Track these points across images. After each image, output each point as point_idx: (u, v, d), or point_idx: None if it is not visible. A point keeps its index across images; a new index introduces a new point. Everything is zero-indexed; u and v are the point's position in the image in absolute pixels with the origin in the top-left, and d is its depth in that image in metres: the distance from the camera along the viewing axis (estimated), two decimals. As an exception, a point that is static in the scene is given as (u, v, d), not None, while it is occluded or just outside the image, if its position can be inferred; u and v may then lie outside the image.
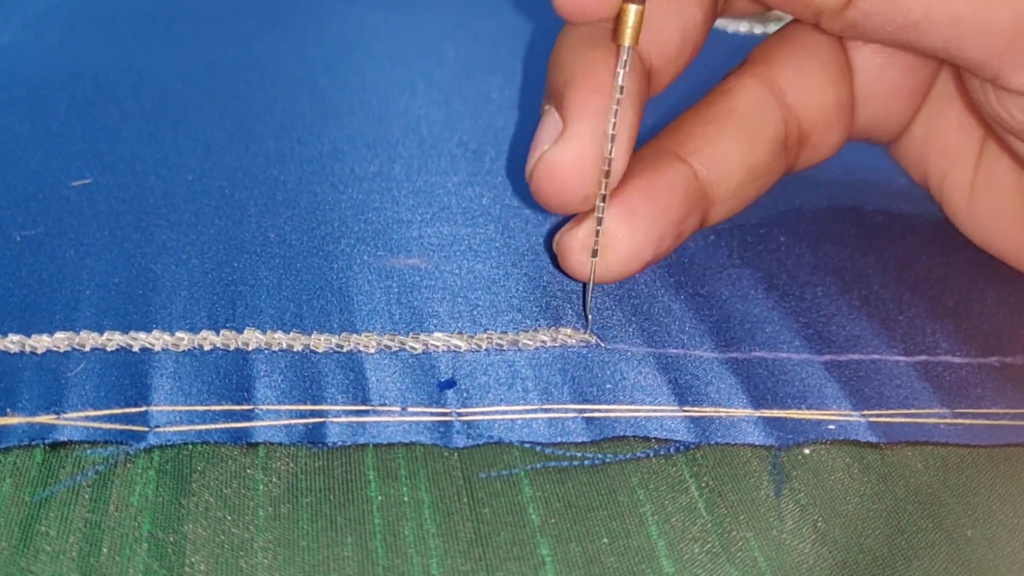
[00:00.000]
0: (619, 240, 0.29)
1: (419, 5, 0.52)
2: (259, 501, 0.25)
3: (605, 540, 0.25)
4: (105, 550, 0.24)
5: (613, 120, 0.28)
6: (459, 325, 0.30)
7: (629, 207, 0.29)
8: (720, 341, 0.30)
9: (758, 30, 0.50)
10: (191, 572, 0.23)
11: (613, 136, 0.28)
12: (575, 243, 0.30)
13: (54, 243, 0.33)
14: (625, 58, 0.28)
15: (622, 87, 0.28)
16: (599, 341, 0.30)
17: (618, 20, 0.28)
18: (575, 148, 0.28)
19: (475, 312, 0.31)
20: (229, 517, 0.25)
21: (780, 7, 0.30)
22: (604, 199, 0.29)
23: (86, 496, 0.25)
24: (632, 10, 0.27)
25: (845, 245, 0.35)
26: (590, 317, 0.30)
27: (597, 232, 0.29)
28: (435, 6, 0.52)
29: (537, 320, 0.31)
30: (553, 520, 0.25)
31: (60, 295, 0.31)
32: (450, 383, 0.28)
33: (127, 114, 0.40)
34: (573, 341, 0.30)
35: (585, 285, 0.30)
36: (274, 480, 0.26)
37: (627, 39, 0.28)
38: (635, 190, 0.30)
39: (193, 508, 0.25)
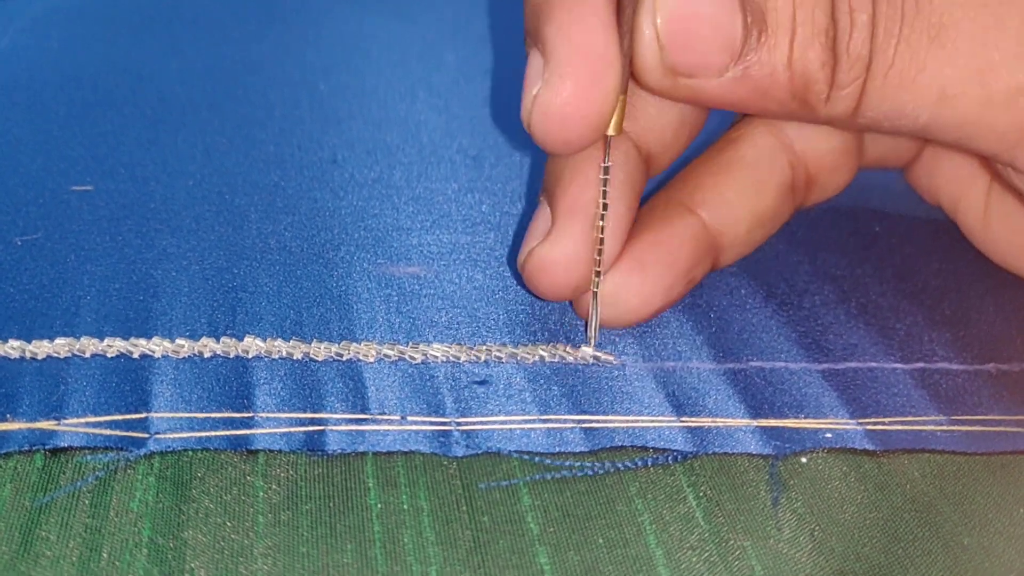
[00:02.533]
0: (629, 292, 0.30)
1: (418, 10, 0.52)
2: (259, 508, 0.25)
3: (603, 549, 0.25)
4: (105, 555, 0.24)
5: (603, 213, 0.28)
6: (458, 335, 0.30)
7: (639, 260, 0.30)
8: (718, 351, 0.30)
9: None
10: (191, 579, 0.24)
11: (602, 227, 0.29)
12: (583, 298, 0.30)
13: (54, 248, 0.33)
14: (608, 150, 0.28)
15: (606, 179, 0.28)
16: (606, 358, 0.30)
17: None
18: (563, 246, 0.29)
19: (474, 322, 0.31)
20: (229, 523, 0.25)
21: (793, 119, 0.30)
22: (597, 286, 0.29)
23: (86, 502, 0.25)
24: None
25: (843, 254, 0.35)
26: (593, 350, 0.30)
27: (595, 294, 0.30)
28: (434, 11, 0.52)
29: (535, 333, 0.31)
30: (552, 529, 0.25)
31: (60, 301, 0.31)
32: (483, 382, 0.29)
33: (127, 119, 0.41)
34: (572, 358, 0.30)
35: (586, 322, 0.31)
36: (274, 487, 0.26)
37: (611, 128, 0.27)
38: (645, 244, 0.30)
39: (193, 514, 0.25)
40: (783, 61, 0.26)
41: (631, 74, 0.27)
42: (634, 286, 0.30)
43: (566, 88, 0.26)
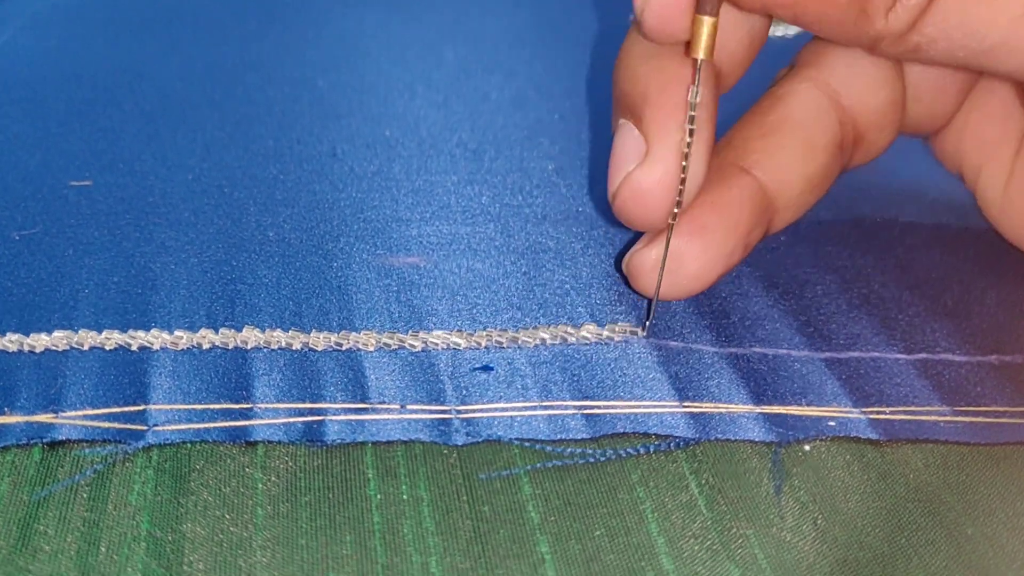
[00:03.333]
0: (691, 257, 0.29)
1: (417, 5, 0.52)
2: (258, 500, 0.25)
3: (605, 537, 0.25)
4: (103, 549, 0.24)
5: (689, 140, 0.28)
6: (458, 323, 0.30)
7: (700, 223, 0.29)
8: (720, 336, 0.30)
9: (779, 32, 0.49)
10: (190, 571, 0.23)
11: (688, 155, 0.28)
12: (647, 263, 0.30)
13: (53, 242, 0.33)
14: (700, 73, 0.28)
15: (696, 104, 0.28)
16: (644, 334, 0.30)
17: (692, 33, 0.27)
18: (661, 169, 0.28)
19: (474, 310, 0.31)
20: (228, 516, 0.25)
21: (834, 36, 0.29)
22: (675, 217, 0.29)
23: (84, 495, 0.25)
24: (707, 23, 0.27)
25: (845, 244, 0.35)
26: (648, 324, 0.30)
27: (666, 250, 0.29)
28: (433, 6, 0.52)
29: (536, 318, 0.31)
30: (553, 518, 0.25)
31: (59, 294, 0.31)
32: (486, 368, 0.28)
33: (126, 114, 0.41)
34: (573, 338, 0.30)
35: (650, 301, 0.30)
36: (273, 479, 0.26)
37: (702, 52, 0.27)
38: (704, 206, 0.29)
39: (192, 507, 0.25)
40: None
41: None
42: (696, 250, 0.29)
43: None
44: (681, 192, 0.28)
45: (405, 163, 0.38)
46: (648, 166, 0.28)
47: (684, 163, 0.28)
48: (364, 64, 0.46)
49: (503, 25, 0.50)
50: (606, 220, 0.35)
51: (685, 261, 0.29)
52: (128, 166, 0.37)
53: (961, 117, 0.34)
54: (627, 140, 0.29)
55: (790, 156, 0.31)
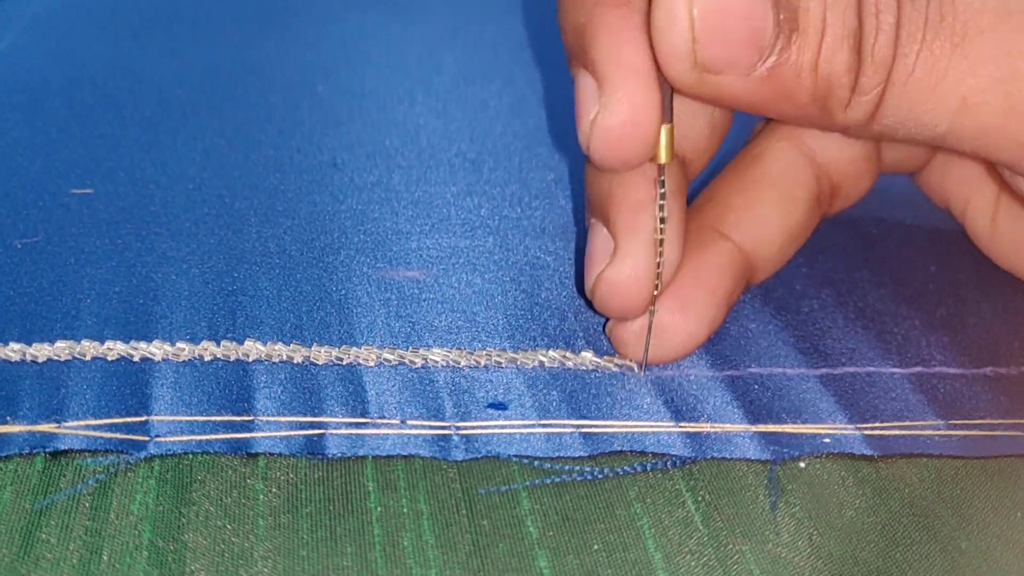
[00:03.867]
0: (674, 329, 0.30)
1: (417, 11, 0.52)
2: (259, 511, 0.25)
3: (603, 553, 0.25)
4: (105, 558, 0.24)
5: (661, 226, 0.28)
6: (457, 340, 0.30)
7: (681, 298, 0.30)
8: (715, 357, 0.30)
9: None
10: (191, 581, 0.24)
11: (662, 240, 0.29)
12: (629, 336, 0.30)
13: (54, 251, 0.33)
14: (662, 176, 0.28)
15: (663, 205, 0.28)
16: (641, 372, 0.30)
17: None
18: (630, 264, 0.29)
19: (473, 327, 0.31)
20: (229, 526, 0.25)
21: (803, 125, 0.30)
22: (655, 301, 0.29)
23: (87, 504, 0.25)
24: (663, 131, 0.27)
25: (841, 258, 0.35)
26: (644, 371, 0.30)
27: (650, 324, 0.30)
28: (433, 12, 0.52)
29: (535, 339, 0.31)
30: (551, 533, 0.25)
31: (61, 304, 0.31)
32: (501, 405, 0.28)
33: (126, 121, 0.41)
34: (571, 363, 0.30)
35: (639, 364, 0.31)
36: (274, 490, 0.26)
37: (663, 156, 0.28)
38: (685, 279, 0.30)
39: (193, 517, 0.25)
40: (810, 63, 0.26)
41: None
42: (679, 324, 0.30)
43: (623, 110, 0.27)
44: (659, 276, 0.29)
45: (405, 173, 0.38)
46: (617, 263, 0.29)
47: (659, 250, 0.29)
48: (364, 69, 0.46)
49: (503, 31, 0.50)
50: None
51: (669, 334, 0.30)
52: (129, 174, 0.37)
53: (942, 157, 0.34)
54: (597, 240, 0.30)
55: (768, 212, 0.31)
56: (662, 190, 0.28)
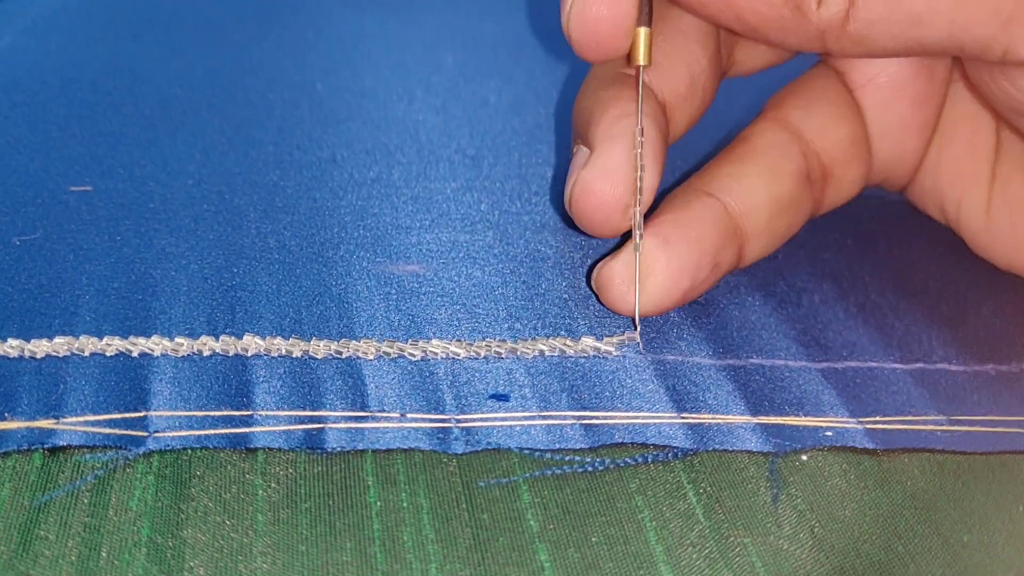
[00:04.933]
0: (656, 268, 0.30)
1: (417, 10, 0.52)
2: (258, 506, 0.25)
3: (604, 546, 0.25)
4: (104, 554, 0.24)
5: (640, 139, 0.29)
6: (458, 332, 0.30)
7: (662, 237, 0.30)
8: (717, 348, 0.30)
9: None
10: (190, 576, 0.24)
11: (642, 165, 0.29)
12: (615, 275, 0.30)
13: (53, 248, 0.33)
14: (640, 76, 0.30)
15: (641, 119, 0.29)
16: (630, 337, 0.30)
17: (630, 48, 0.29)
18: (603, 163, 0.29)
19: (474, 319, 0.31)
20: (228, 522, 0.25)
21: (779, 40, 0.30)
22: (639, 221, 0.29)
23: (85, 500, 0.25)
24: (641, 33, 0.29)
25: (843, 253, 0.35)
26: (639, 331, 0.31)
27: (636, 260, 0.30)
28: (433, 10, 0.52)
29: (535, 328, 0.31)
30: (552, 526, 0.25)
31: (59, 300, 0.31)
32: (502, 396, 0.28)
33: (126, 119, 0.41)
34: (571, 351, 0.30)
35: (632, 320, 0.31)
36: (273, 485, 0.26)
37: (641, 58, 0.29)
38: (667, 222, 0.30)
39: (192, 513, 0.25)
40: None
41: None
42: (660, 262, 0.30)
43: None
44: (639, 197, 0.29)
45: (404, 169, 0.38)
46: (592, 164, 0.30)
47: (639, 172, 0.29)
48: (363, 68, 0.46)
49: (502, 29, 0.50)
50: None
51: (651, 273, 0.30)
52: (128, 171, 0.37)
53: (932, 157, 0.34)
54: (577, 158, 0.31)
55: (755, 180, 0.31)
56: (640, 96, 0.29)
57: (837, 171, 0.33)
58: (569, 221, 0.35)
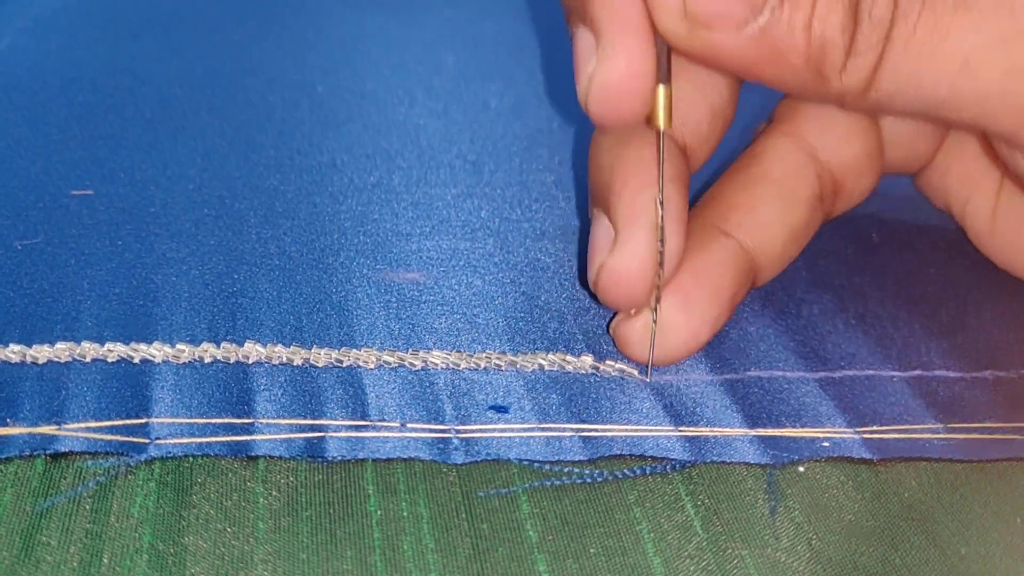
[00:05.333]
0: (677, 328, 0.30)
1: (417, 11, 0.52)
2: (259, 514, 0.25)
3: (602, 557, 0.25)
4: (106, 561, 0.24)
5: (661, 212, 0.28)
6: (457, 342, 0.30)
7: (684, 296, 0.30)
8: (715, 361, 0.30)
9: None
10: (191, 584, 0.24)
11: (663, 228, 0.28)
12: (633, 335, 0.30)
13: (54, 253, 0.33)
14: (661, 143, 0.28)
15: (663, 187, 0.28)
16: (642, 378, 0.30)
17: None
18: (630, 253, 0.29)
19: (474, 329, 0.31)
20: (229, 529, 0.25)
21: (800, 95, 0.30)
22: (659, 292, 0.29)
23: (87, 507, 0.25)
24: (660, 93, 0.28)
25: (841, 262, 0.35)
26: (650, 372, 0.30)
27: (655, 320, 0.29)
28: (434, 12, 0.52)
29: (535, 341, 0.31)
30: (550, 537, 0.25)
31: (61, 305, 0.31)
32: (501, 408, 0.28)
33: (127, 122, 0.41)
34: (571, 367, 0.30)
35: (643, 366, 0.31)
36: (274, 493, 0.26)
37: (661, 122, 0.28)
38: (687, 276, 0.30)
39: (193, 520, 0.25)
40: (803, 22, 0.26)
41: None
42: (682, 321, 0.30)
43: (621, 64, 0.27)
44: (661, 265, 0.29)
45: (405, 175, 0.38)
46: (618, 252, 0.29)
47: (661, 238, 0.28)
48: (364, 69, 0.46)
49: (503, 31, 0.50)
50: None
51: (672, 332, 0.30)
52: (129, 175, 0.37)
53: (943, 156, 0.34)
54: (599, 230, 0.30)
55: (770, 211, 0.31)
56: (662, 162, 0.28)
57: (848, 185, 0.33)
58: (570, 223, 0.35)
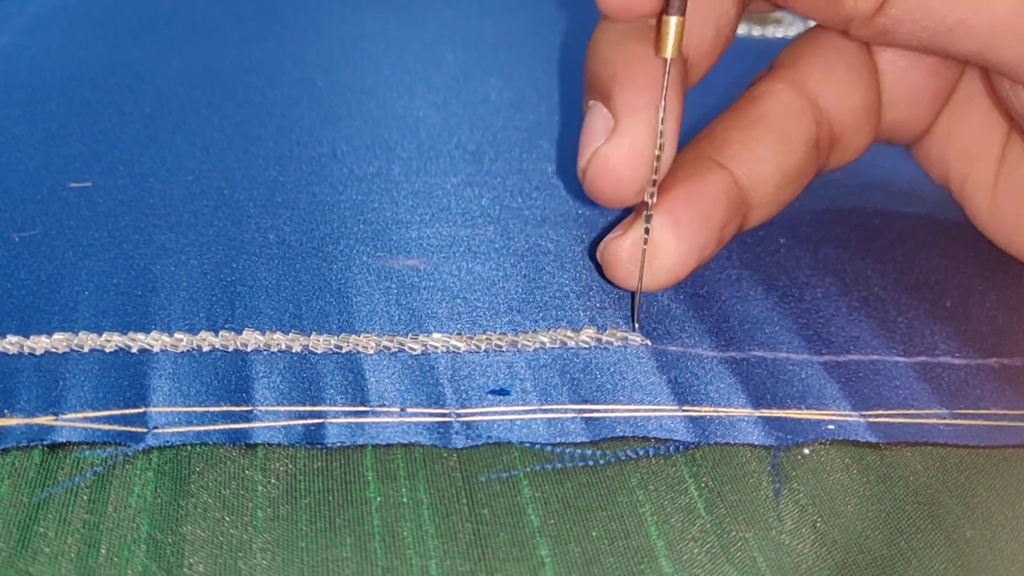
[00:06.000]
0: (665, 249, 0.30)
1: (417, 7, 0.52)
2: (258, 502, 0.25)
3: (604, 540, 0.25)
4: (104, 551, 0.24)
5: (660, 127, 0.28)
6: (458, 326, 0.30)
7: (673, 216, 0.30)
8: (719, 341, 0.30)
9: (756, 32, 0.50)
10: (190, 573, 0.23)
11: (661, 144, 0.29)
12: (622, 252, 0.30)
13: (53, 244, 0.33)
14: (668, 69, 0.28)
15: (665, 98, 0.28)
16: (643, 341, 0.30)
17: (659, 31, 0.28)
18: (628, 143, 0.29)
19: (474, 313, 0.31)
20: (228, 518, 0.25)
21: (807, 14, 0.30)
22: (652, 200, 0.29)
23: (84, 497, 0.25)
24: (673, 22, 0.28)
25: (845, 247, 0.35)
26: (637, 325, 0.31)
27: (645, 240, 0.29)
28: (433, 8, 0.52)
29: (536, 322, 0.31)
30: (552, 521, 0.25)
31: (59, 296, 0.31)
32: (502, 391, 0.28)
33: (126, 116, 0.41)
34: (572, 342, 0.30)
35: (633, 295, 0.31)
36: (273, 481, 0.26)
37: (670, 51, 0.28)
38: (679, 199, 0.30)
39: (192, 509, 0.25)
40: None
41: None
42: (670, 243, 0.30)
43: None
44: (654, 182, 0.29)
45: (405, 164, 0.38)
46: (616, 140, 0.29)
47: (658, 143, 0.28)
48: (364, 65, 0.46)
49: (502, 27, 0.50)
50: (605, 221, 0.35)
51: (660, 254, 0.30)
52: (128, 168, 0.37)
53: (942, 127, 0.34)
54: (596, 118, 0.29)
55: (766, 151, 0.31)
56: (665, 87, 0.28)
57: (845, 138, 0.33)
58: (573, 211, 0.35)
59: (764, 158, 0.31)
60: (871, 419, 0.28)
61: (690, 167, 0.30)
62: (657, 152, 0.29)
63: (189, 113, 0.41)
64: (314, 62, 0.46)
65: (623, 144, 0.29)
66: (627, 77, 0.29)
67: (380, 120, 0.41)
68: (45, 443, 0.26)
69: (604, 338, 0.30)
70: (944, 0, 0.26)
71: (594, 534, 0.25)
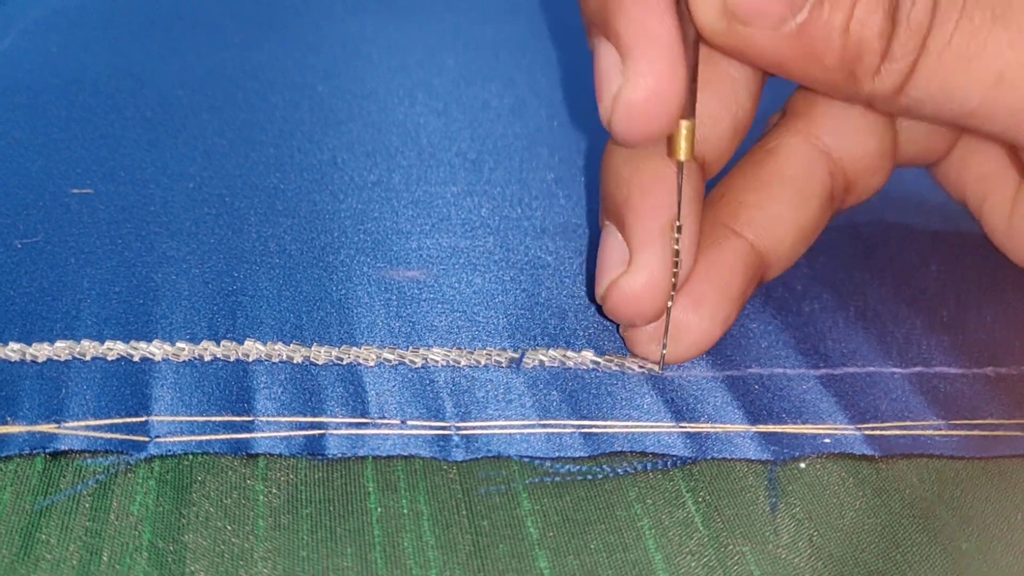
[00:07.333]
0: (689, 328, 0.30)
1: (418, 13, 0.52)
2: (259, 512, 0.25)
3: (603, 553, 0.25)
4: (105, 559, 0.24)
5: (675, 246, 0.28)
6: (458, 340, 0.30)
7: (695, 298, 0.29)
8: (716, 358, 0.30)
9: None
10: (191, 582, 0.24)
11: (678, 251, 0.28)
12: (643, 335, 0.30)
13: (54, 251, 0.33)
14: (683, 172, 0.28)
15: (680, 209, 0.28)
16: (640, 368, 0.30)
17: (671, 136, 0.28)
18: (645, 276, 0.28)
19: (474, 327, 0.31)
20: (229, 527, 0.25)
21: (828, 93, 0.30)
22: (671, 300, 0.29)
23: (86, 505, 0.25)
24: (684, 126, 0.27)
25: (841, 259, 0.35)
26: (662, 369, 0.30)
27: (667, 325, 0.29)
28: (434, 14, 0.52)
29: (535, 338, 0.31)
30: (551, 533, 0.25)
31: (61, 303, 0.31)
32: (502, 405, 0.28)
33: (127, 121, 0.41)
34: (571, 363, 0.30)
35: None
36: (274, 491, 0.26)
37: (683, 154, 0.27)
38: (698, 276, 0.30)
39: (193, 518, 0.25)
40: (842, 23, 0.26)
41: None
42: (693, 323, 0.29)
43: (648, 84, 0.26)
44: (674, 286, 0.29)
45: (405, 173, 0.38)
46: (632, 274, 0.29)
47: (675, 260, 0.28)
48: (364, 70, 0.46)
49: (503, 33, 0.50)
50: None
51: (684, 333, 0.30)
52: (129, 174, 0.37)
53: (960, 151, 0.34)
54: (612, 245, 0.29)
55: (781, 210, 0.31)
56: (680, 192, 0.28)
57: (861, 183, 0.32)
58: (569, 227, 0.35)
59: (780, 218, 0.31)
60: (867, 432, 0.28)
61: (706, 238, 0.30)
62: (674, 270, 0.28)
63: (190, 117, 0.41)
64: (315, 67, 0.46)
65: (639, 279, 0.28)
66: (640, 200, 0.29)
67: (380, 125, 0.41)
68: (47, 451, 0.26)
69: (603, 363, 0.30)
70: (965, 86, 0.26)
71: (593, 547, 0.25)
